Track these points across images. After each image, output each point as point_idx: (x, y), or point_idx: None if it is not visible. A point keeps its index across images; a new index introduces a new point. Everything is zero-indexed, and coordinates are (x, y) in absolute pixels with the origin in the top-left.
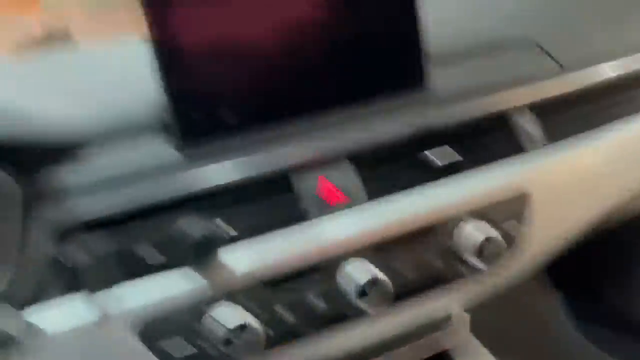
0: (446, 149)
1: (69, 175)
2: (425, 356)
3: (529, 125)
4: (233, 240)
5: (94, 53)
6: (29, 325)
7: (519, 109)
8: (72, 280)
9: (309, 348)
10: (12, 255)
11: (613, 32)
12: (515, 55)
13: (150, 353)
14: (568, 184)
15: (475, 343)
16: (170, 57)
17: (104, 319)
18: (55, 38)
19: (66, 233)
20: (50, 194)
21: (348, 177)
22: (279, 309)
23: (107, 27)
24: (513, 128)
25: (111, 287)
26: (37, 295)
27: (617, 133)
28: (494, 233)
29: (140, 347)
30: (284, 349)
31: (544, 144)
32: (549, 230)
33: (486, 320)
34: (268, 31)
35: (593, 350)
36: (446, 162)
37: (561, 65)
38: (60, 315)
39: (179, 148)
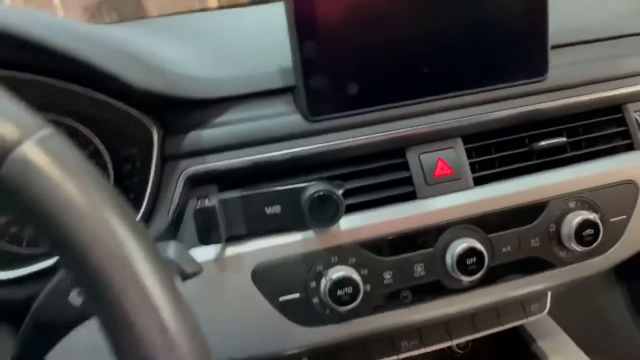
0: (557, 138)
1: (202, 127)
2: (506, 327)
3: None
4: (352, 206)
5: (236, 16)
6: (195, 262)
7: (633, 104)
8: (202, 223)
9: (402, 312)
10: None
11: None
12: (630, 49)
13: (259, 292)
14: None
15: (554, 326)
16: (306, 32)
17: (228, 260)
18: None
19: (197, 181)
20: (184, 142)
21: (459, 156)
22: (383, 271)
23: None
24: (627, 121)
25: (240, 237)
26: (169, 236)
27: None
28: (598, 221)
29: (252, 287)
30: (381, 309)
31: None
32: None
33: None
34: (401, 19)
35: None
36: (557, 151)
37: None
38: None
39: (305, 116)
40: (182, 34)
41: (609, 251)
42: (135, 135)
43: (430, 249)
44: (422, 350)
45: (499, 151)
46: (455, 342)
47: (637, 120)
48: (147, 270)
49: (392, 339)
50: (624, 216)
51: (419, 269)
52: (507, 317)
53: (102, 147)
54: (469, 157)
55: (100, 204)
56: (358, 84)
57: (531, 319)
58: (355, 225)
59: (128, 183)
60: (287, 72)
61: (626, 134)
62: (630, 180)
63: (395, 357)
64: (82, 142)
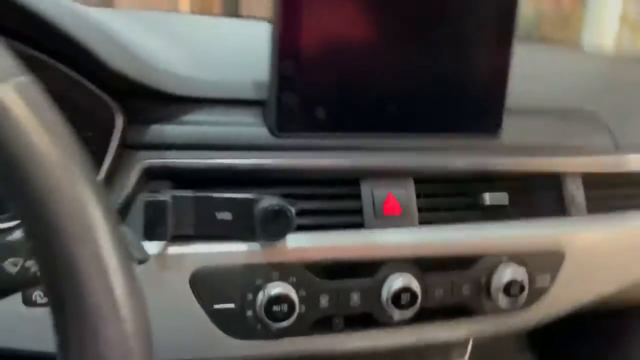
0: (501, 195)
1: (167, 122)
2: None
3: (577, 193)
4: (300, 226)
5: (211, 24)
6: (144, 250)
7: (571, 176)
8: (150, 217)
9: (332, 338)
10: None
11: None
12: (579, 125)
13: (194, 297)
14: (600, 255)
15: None
16: (287, 52)
17: (169, 258)
18: None
19: (152, 174)
20: (147, 133)
21: (409, 195)
22: (320, 295)
23: None
24: (563, 191)
25: (185, 238)
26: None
27: None
28: (526, 279)
29: (188, 290)
30: (312, 331)
31: (587, 213)
32: (573, 291)
33: None
34: (376, 57)
35: None
36: (498, 206)
37: (617, 145)
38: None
39: (272, 130)
40: (159, 29)
41: (531, 310)
42: (97, 118)
43: (369, 280)
44: None
45: (446, 197)
46: None
47: (572, 191)
48: (105, 231)
49: None
50: (549, 279)
51: (355, 298)
52: (428, 359)
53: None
54: (418, 197)
55: (68, 157)
56: (327, 108)
57: None
58: (301, 245)
59: None
60: (260, 86)
61: (561, 202)
62: (558, 246)
63: None
64: None
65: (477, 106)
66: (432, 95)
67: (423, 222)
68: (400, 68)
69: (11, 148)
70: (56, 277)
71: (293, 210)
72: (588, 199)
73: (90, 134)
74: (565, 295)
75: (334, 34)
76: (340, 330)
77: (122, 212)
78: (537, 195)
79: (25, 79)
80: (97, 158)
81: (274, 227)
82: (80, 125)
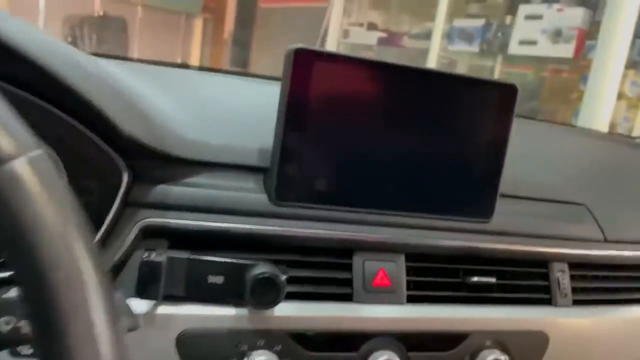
0: (490, 279)
1: (171, 183)
2: None
3: (563, 281)
4: (289, 294)
5: (221, 81)
6: (134, 318)
7: (558, 264)
8: (144, 276)
9: None
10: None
11: None
12: (568, 215)
13: (179, 358)
14: (584, 344)
15: None
16: (293, 125)
17: (158, 317)
18: (109, 22)
19: (150, 233)
20: (150, 192)
21: (399, 271)
22: None
23: (162, 33)
24: (550, 278)
25: (176, 298)
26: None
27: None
28: None
29: (173, 350)
30: None
31: (572, 302)
32: None
33: None
34: (378, 138)
35: None
36: (485, 288)
37: (605, 237)
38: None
39: (271, 198)
40: (170, 85)
41: None
42: (102, 172)
43: (353, 354)
44: None
45: (435, 276)
46: None
47: (558, 279)
48: (99, 301)
49: None
50: None
51: None
52: None
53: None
54: (407, 274)
55: (70, 230)
56: (327, 182)
57: None
58: (288, 313)
59: None
60: (264, 152)
61: (547, 289)
62: (543, 331)
63: None
64: None
65: (472, 191)
66: (429, 178)
67: (411, 298)
68: (401, 150)
69: (20, 217)
70: (48, 341)
71: (283, 279)
72: (574, 288)
73: (95, 187)
74: None
75: (340, 112)
76: None
77: (118, 268)
78: (524, 281)
79: (38, 153)
80: (99, 211)
81: (264, 295)
82: (84, 174)
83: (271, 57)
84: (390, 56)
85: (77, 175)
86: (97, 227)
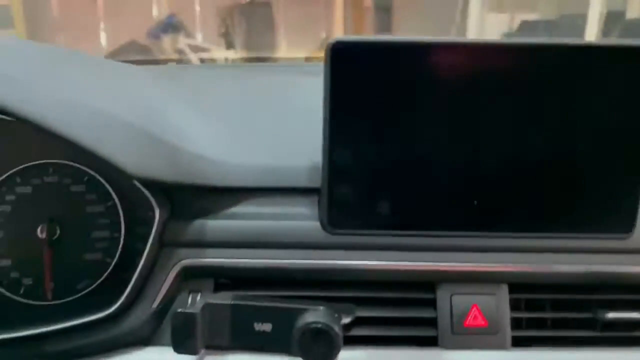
0: (633, 313)
1: (210, 216)
2: None
3: None
4: (357, 338)
5: (275, 104)
6: None
7: None
8: (179, 328)
9: None
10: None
11: None
12: None
13: None
14: None
15: None
16: (343, 133)
17: None
18: (256, 8)
19: (193, 273)
20: (188, 229)
21: (500, 306)
22: None
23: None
24: None
25: (220, 347)
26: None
27: None
28: None
29: None
30: None
31: None
32: None
33: None
34: (455, 138)
35: None
36: (626, 325)
37: None
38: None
39: (324, 225)
40: (214, 98)
41: None
42: (136, 211)
43: None
44: None
45: (552, 310)
46: None
47: None
48: None
49: None
50: None
51: None
52: None
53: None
54: (513, 309)
55: None
56: (390, 203)
57: None
58: None
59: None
60: (316, 169)
61: None
62: None
63: None
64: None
65: (599, 198)
66: (531, 187)
67: (518, 341)
68: (487, 153)
69: None
70: None
71: (342, 323)
72: None
73: (132, 227)
74: None
75: (400, 113)
76: None
77: (160, 314)
78: None
79: None
80: (135, 253)
81: (314, 348)
82: (126, 216)
83: (415, 19)
84: None
85: (113, 214)
86: (133, 270)
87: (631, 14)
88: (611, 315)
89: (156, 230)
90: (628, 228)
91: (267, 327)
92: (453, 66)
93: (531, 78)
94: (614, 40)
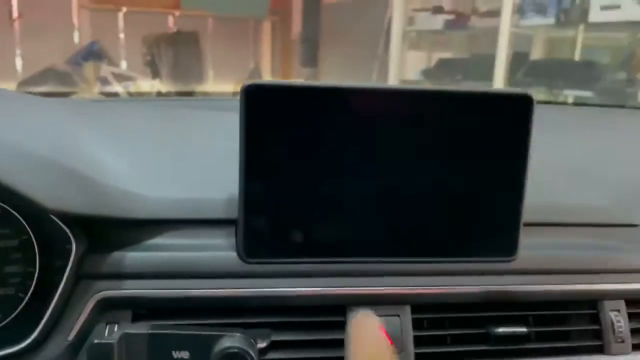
0: (522, 328)
1: (128, 248)
2: None
3: (618, 324)
4: None
5: (196, 139)
6: None
7: (611, 303)
8: (97, 354)
9: None
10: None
11: None
12: (621, 239)
13: None
14: None
15: None
16: (255, 169)
17: None
18: (183, 38)
19: (111, 305)
20: (105, 261)
21: (404, 326)
22: None
23: (233, 41)
24: (601, 321)
25: None
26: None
27: None
28: None
29: None
30: None
31: (632, 349)
32: None
33: None
34: (360, 172)
35: None
36: (514, 339)
37: None
38: None
39: (240, 255)
40: (135, 132)
41: None
42: (53, 245)
43: None
44: None
45: (450, 328)
46: None
47: (612, 321)
48: None
49: None
50: None
51: None
52: None
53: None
54: (415, 328)
55: None
56: (302, 232)
57: None
58: None
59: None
60: (233, 201)
61: (598, 334)
62: None
63: None
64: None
65: (486, 225)
66: (429, 215)
67: (420, 358)
68: (391, 185)
69: None
70: None
71: (258, 347)
72: (633, 330)
73: (47, 261)
74: None
75: (311, 149)
76: None
77: (76, 347)
78: (568, 326)
79: None
80: (54, 286)
81: None
82: (40, 251)
83: (340, 53)
84: (459, 38)
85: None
86: (49, 304)
87: (535, 55)
88: (501, 330)
89: (73, 263)
90: (512, 252)
91: (184, 354)
92: (353, 108)
93: (419, 119)
94: (479, 89)
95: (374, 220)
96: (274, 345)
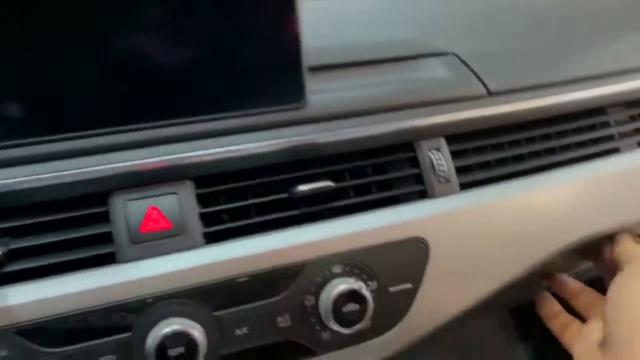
0: (327, 183)
1: None
2: None
3: (440, 162)
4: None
5: None
6: None
7: (429, 142)
8: None
9: None
10: None
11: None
12: (433, 70)
13: None
14: (475, 245)
15: None
16: None
17: None
18: None
19: None
20: None
21: (185, 204)
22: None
23: None
24: (420, 162)
25: None
26: None
27: (531, 190)
28: (365, 293)
29: None
30: None
31: (459, 188)
32: (442, 301)
33: None
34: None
35: None
36: (321, 198)
37: (488, 90)
38: None
39: None
40: None
41: (391, 331)
42: None
43: (126, 335)
44: None
45: (244, 197)
46: None
47: (431, 160)
48: None
49: None
50: (410, 285)
51: None
52: None
53: None
54: (202, 205)
55: None
56: (24, 106)
57: None
58: (8, 302)
59: None
60: None
61: (418, 179)
62: (420, 238)
63: None
64: None
65: (263, 70)
66: (191, 70)
67: (212, 237)
68: (131, 42)
69: None
70: None
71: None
72: (459, 170)
73: None
74: (436, 304)
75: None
76: None
77: None
78: (381, 177)
79: None
80: None
81: None
82: None
83: None
84: None
85: None
86: None
87: None
88: (303, 188)
89: None
90: (298, 97)
91: None
92: None
93: None
94: None
95: (116, 79)
96: (18, 255)
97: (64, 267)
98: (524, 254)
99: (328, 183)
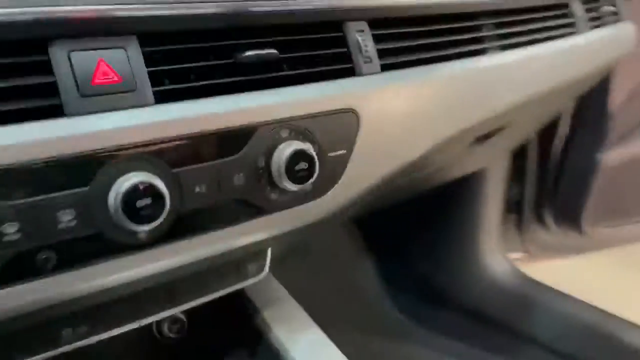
0: (271, 50)
1: None
2: (213, 296)
3: (365, 44)
4: None
5: None
6: None
7: (355, 24)
8: None
9: (48, 283)
10: None
11: None
12: None
13: None
14: (401, 117)
15: (276, 285)
16: None
17: None
18: None
19: None
20: None
21: (133, 60)
22: (3, 223)
23: None
24: (349, 42)
25: None
26: None
27: (451, 72)
28: (312, 153)
29: None
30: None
31: (380, 69)
32: (374, 164)
33: (298, 281)
34: None
35: (402, 318)
36: (268, 67)
37: None
38: None
39: None
40: None
41: (329, 193)
42: None
43: (84, 189)
44: (97, 338)
45: (190, 59)
46: (144, 322)
47: (358, 42)
48: None
49: (45, 328)
50: (344, 151)
51: (65, 218)
52: (214, 283)
53: None
54: (149, 64)
55: None
56: None
57: (247, 282)
58: None
59: None
60: None
61: (348, 57)
62: (351, 108)
63: (56, 350)
64: None
65: None
66: None
67: (162, 96)
68: None
69: None
70: None
71: None
72: (380, 51)
73: None
74: (364, 170)
75: None
76: (55, 270)
77: None
78: (317, 50)
79: None
80: None
81: None
82: None
83: None
84: None
85: None
86: None
87: None
88: (249, 53)
89: None
90: None
91: None
92: None
93: None
94: None
95: None
96: None
97: (6, 119)
98: (428, 135)
99: (273, 50)
